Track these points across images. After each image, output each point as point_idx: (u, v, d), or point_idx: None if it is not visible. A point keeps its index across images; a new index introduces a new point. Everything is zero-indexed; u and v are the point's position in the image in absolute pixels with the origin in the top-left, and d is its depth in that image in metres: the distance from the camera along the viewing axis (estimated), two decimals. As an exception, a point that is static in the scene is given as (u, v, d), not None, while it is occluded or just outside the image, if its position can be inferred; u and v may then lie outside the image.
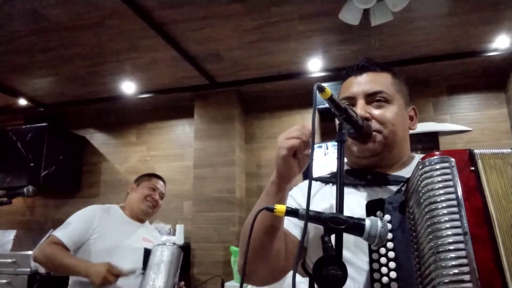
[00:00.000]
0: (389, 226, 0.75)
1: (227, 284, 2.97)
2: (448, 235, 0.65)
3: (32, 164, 3.85)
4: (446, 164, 0.70)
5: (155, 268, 1.76)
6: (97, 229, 1.94)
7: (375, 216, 0.77)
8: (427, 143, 3.09)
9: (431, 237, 0.66)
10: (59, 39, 2.83)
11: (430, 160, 0.71)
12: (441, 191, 0.68)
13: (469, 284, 0.62)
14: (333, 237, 0.70)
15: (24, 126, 4.09)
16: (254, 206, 0.88)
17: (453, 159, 0.70)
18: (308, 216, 0.68)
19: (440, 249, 0.65)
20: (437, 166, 0.70)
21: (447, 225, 0.65)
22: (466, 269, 0.62)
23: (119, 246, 1.94)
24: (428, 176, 0.70)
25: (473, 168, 0.69)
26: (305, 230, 0.67)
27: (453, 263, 0.63)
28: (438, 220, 0.66)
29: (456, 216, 0.65)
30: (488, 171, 0.69)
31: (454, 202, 0.66)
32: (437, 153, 0.72)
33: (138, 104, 4.12)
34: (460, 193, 0.67)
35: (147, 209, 2.13)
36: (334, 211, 0.74)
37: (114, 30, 2.71)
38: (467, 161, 0.70)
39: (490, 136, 3.29)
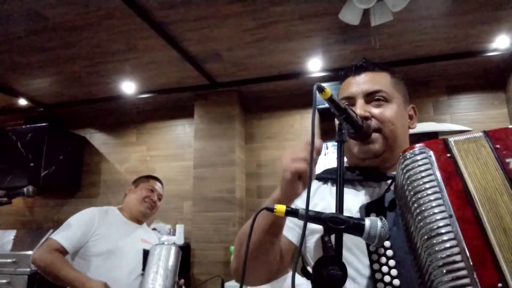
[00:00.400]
0: None
1: (227, 284, 2.97)
2: (436, 220, 0.67)
3: (32, 164, 3.85)
4: (424, 155, 0.73)
5: (154, 268, 1.77)
6: (96, 232, 1.94)
7: None
8: (427, 143, 3.09)
9: (421, 224, 0.68)
10: (59, 39, 2.83)
11: (410, 153, 0.74)
12: (424, 180, 0.70)
13: (461, 264, 0.63)
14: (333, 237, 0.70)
15: (24, 126, 4.09)
16: (254, 208, 0.88)
17: (429, 149, 0.73)
18: (308, 216, 0.68)
19: (432, 234, 0.66)
20: (417, 158, 0.73)
21: (436, 210, 0.67)
22: (456, 250, 0.64)
23: (118, 248, 1.94)
24: (409, 168, 0.73)
25: (449, 155, 0.72)
26: (304, 230, 0.67)
27: (444, 245, 0.65)
28: (425, 208, 0.68)
29: (440, 201, 0.68)
30: (464, 156, 0.72)
31: (437, 189, 0.69)
32: (416, 145, 0.75)
33: (138, 104, 4.12)
34: (440, 179, 0.70)
35: (145, 210, 2.14)
36: (333, 210, 0.74)
37: (114, 30, 2.71)
38: (443, 149, 0.73)
39: (490, 136, 3.28)
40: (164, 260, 1.79)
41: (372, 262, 0.76)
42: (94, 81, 3.58)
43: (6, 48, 2.94)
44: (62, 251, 1.87)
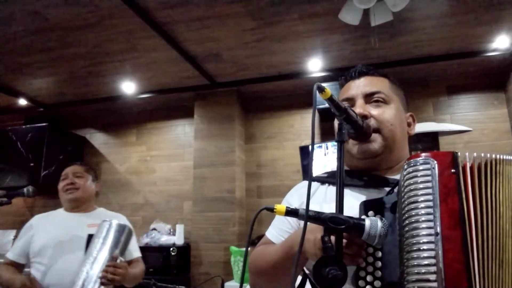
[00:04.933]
0: None
1: (227, 284, 2.97)
2: (421, 235, 0.66)
3: (32, 164, 3.85)
4: (428, 166, 0.70)
5: (91, 247, 1.74)
6: (35, 235, 1.95)
7: (367, 216, 0.77)
8: (427, 143, 3.09)
9: (407, 235, 0.68)
10: (59, 39, 2.83)
11: (415, 161, 0.72)
12: (421, 192, 0.69)
13: (434, 284, 0.62)
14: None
15: (24, 126, 4.09)
16: (254, 208, 0.89)
17: (435, 161, 0.70)
18: (308, 216, 0.68)
19: (413, 248, 0.66)
20: (420, 168, 0.71)
21: (423, 225, 0.66)
22: (433, 269, 0.63)
23: (57, 240, 1.92)
24: (411, 176, 0.71)
25: (453, 170, 0.69)
26: (304, 230, 0.67)
27: (422, 262, 0.64)
28: (415, 220, 0.67)
29: (431, 217, 0.66)
30: (475, 174, 0.69)
31: (431, 204, 0.67)
32: (422, 154, 0.73)
33: (138, 104, 4.12)
34: (437, 194, 0.68)
35: (69, 197, 2.05)
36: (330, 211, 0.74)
37: (114, 30, 2.71)
38: (449, 163, 0.70)
39: (490, 136, 3.29)
40: (100, 237, 1.75)
41: None
42: (94, 81, 3.58)
43: (6, 48, 2.94)
44: (14, 265, 1.92)
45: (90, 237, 1.82)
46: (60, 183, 2.10)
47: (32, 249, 1.92)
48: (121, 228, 1.82)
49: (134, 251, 2.03)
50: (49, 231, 1.96)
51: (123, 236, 1.81)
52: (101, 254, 1.71)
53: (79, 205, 2.09)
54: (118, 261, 1.73)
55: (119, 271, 1.68)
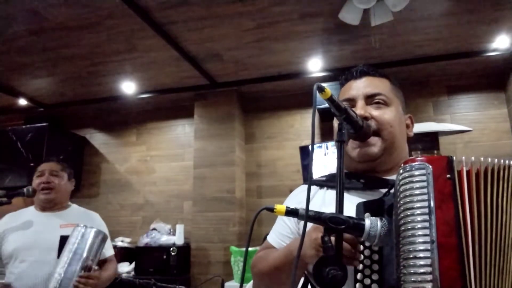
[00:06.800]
0: None
1: (227, 284, 2.97)
2: (417, 243, 0.65)
3: (32, 164, 3.84)
4: (423, 171, 0.69)
5: (64, 253, 1.68)
6: (5, 236, 1.91)
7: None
8: (427, 143, 3.09)
9: (403, 242, 0.67)
10: (59, 39, 2.83)
11: (410, 166, 0.71)
12: (416, 198, 0.68)
13: None
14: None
15: (24, 126, 4.09)
16: (254, 208, 0.88)
17: (430, 166, 0.69)
18: (308, 216, 0.68)
19: (409, 256, 0.65)
20: (415, 173, 0.70)
21: (420, 233, 0.65)
22: (429, 277, 0.62)
23: (34, 243, 1.87)
24: (406, 182, 0.70)
25: (449, 175, 0.68)
26: (304, 230, 0.67)
27: (418, 270, 0.64)
28: (411, 227, 0.67)
29: (427, 224, 0.66)
30: (472, 179, 0.68)
31: (426, 210, 0.66)
32: (418, 159, 0.71)
33: (138, 104, 4.12)
34: (432, 201, 0.67)
35: (44, 197, 2.00)
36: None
37: (114, 30, 2.71)
38: (444, 168, 0.69)
39: (490, 136, 3.29)
40: (72, 244, 1.71)
41: None
42: (94, 81, 3.58)
43: (6, 48, 2.94)
44: None
45: (62, 239, 1.79)
46: (36, 180, 2.03)
47: (3, 251, 1.87)
48: (96, 236, 1.78)
49: (107, 250, 2.00)
50: (21, 234, 1.90)
51: (96, 244, 1.77)
52: (73, 262, 1.69)
53: (52, 206, 2.04)
54: (92, 270, 1.72)
55: (90, 282, 1.68)
